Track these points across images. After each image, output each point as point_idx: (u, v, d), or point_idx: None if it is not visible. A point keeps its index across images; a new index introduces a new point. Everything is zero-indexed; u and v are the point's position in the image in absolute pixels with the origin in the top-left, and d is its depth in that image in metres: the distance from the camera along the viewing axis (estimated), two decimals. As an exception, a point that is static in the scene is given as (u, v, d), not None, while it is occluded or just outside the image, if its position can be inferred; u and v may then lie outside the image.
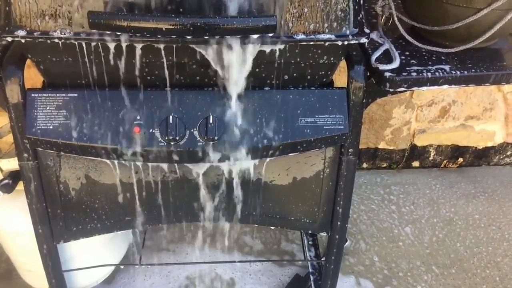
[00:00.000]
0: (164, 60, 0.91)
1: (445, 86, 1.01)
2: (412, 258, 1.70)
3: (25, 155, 1.00)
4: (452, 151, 2.12)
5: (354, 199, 1.94)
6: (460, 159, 2.15)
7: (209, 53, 0.89)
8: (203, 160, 1.00)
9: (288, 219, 1.21)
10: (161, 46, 0.88)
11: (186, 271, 1.60)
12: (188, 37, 0.82)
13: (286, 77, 0.99)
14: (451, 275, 1.65)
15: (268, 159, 1.07)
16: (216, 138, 0.97)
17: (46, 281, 1.22)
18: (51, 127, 0.96)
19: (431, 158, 2.13)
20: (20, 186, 1.14)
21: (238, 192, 1.13)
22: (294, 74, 0.99)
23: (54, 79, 0.97)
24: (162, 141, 0.97)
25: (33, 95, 0.96)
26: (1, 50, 0.95)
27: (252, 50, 0.88)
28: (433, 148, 2.10)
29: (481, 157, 2.16)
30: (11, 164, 1.16)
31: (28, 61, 0.95)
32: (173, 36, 0.82)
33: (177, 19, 0.78)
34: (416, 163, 2.15)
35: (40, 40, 0.85)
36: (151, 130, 0.97)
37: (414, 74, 0.99)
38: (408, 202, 1.95)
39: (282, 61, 0.94)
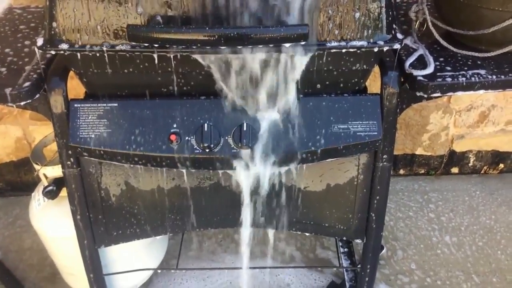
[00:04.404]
0: (198, 69, 0.94)
1: (481, 91, 0.99)
2: (451, 267, 1.66)
3: (68, 162, 1.05)
4: (493, 157, 2.06)
5: (391, 206, 1.92)
6: (501, 165, 2.09)
7: (240, 62, 0.90)
8: (237, 167, 1.02)
9: (322, 226, 1.21)
10: (197, 56, 0.90)
11: (224, 277, 1.62)
12: (221, 47, 0.84)
13: (318, 84, 1.00)
14: (492, 284, 1.60)
15: (301, 166, 1.08)
16: (250, 145, 0.98)
17: (88, 284, 1.27)
18: (93, 136, 0.99)
19: (470, 164, 2.08)
20: (64, 192, 1.18)
21: (271, 198, 1.14)
22: (327, 81, 1.00)
23: (95, 89, 1.01)
24: (198, 148, 0.99)
25: (76, 105, 1.00)
26: (46, 63, 1.00)
27: (284, 58, 0.89)
28: (472, 154, 2.05)
29: (523, 163, 2.10)
30: (55, 171, 1.19)
31: (71, 73, 0.99)
32: (207, 47, 0.85)
33: (210, 30, 0.80)
34: (455, 169, 2.10)
35: (81, 52, 0.89)
36: (187, 138, 0.99)
37: (449, 79, 0.98)
38: (447, 209, 1.90)
39: (314, 68, 0.95)
